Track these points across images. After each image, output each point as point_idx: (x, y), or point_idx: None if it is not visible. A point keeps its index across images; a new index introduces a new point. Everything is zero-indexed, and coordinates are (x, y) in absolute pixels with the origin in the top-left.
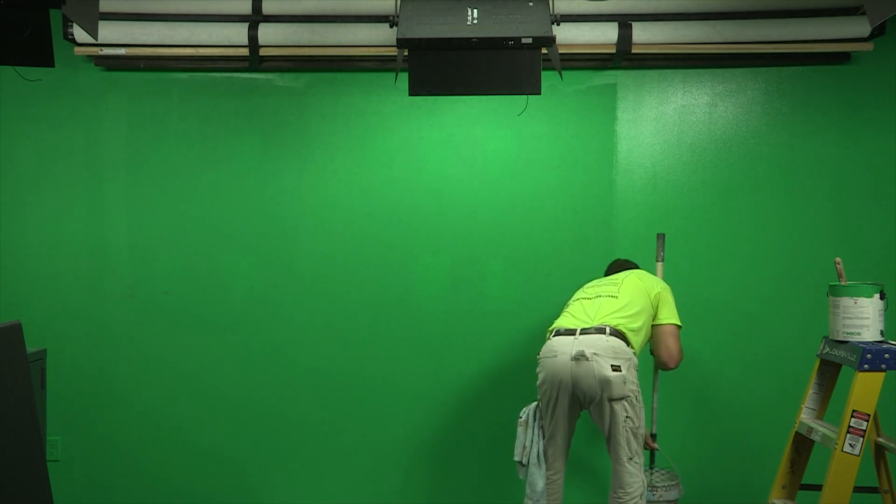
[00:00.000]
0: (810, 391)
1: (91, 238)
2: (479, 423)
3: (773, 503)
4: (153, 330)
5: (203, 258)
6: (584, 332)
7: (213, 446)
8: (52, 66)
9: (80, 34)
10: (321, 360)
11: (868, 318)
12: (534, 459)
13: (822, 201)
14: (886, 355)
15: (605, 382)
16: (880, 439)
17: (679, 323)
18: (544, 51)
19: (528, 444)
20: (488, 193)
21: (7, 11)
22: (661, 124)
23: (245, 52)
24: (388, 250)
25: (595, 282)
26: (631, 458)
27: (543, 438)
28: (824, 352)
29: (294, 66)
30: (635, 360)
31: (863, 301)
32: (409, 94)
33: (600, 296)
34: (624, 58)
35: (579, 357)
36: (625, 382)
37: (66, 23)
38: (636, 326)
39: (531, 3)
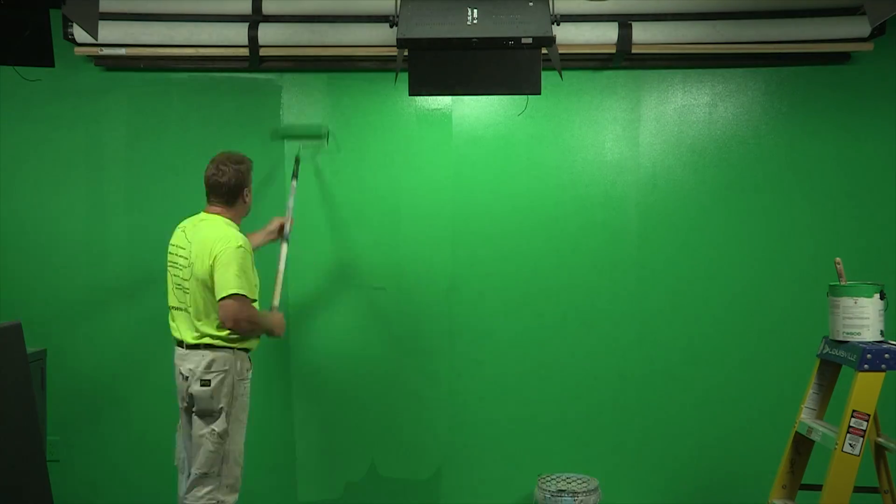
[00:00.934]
0: (810, 391)
1: (91, 238)
2: (479, 423)
3: (773, 503)
4: (153, 330)
5: None
6: (188, 346)
7: None
8: (52, 66)
9: (80, 34)
10: (321, 360)
11: (868, 318)
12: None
13: (823, 201)
14: (886, 355)
15: (193, 397)
16: (880, 439)
17: (237, 290)
18: (544, 51)
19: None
20: (488, 193)
21: (7, 11)
22: (661, 124)
23: (245, 52)
24: (388, 250)
25: (172, 258)
26: (206, 475)
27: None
28: (824, 352)
29: (294, 66)
30: (239, 361)
31: (863, 301)
32: (409, 94)
33: (179, 308)
34: (624, 58)
35: (181, 375)
36: (212, 397)
37: (66, 23)
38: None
39: (531, 3)
